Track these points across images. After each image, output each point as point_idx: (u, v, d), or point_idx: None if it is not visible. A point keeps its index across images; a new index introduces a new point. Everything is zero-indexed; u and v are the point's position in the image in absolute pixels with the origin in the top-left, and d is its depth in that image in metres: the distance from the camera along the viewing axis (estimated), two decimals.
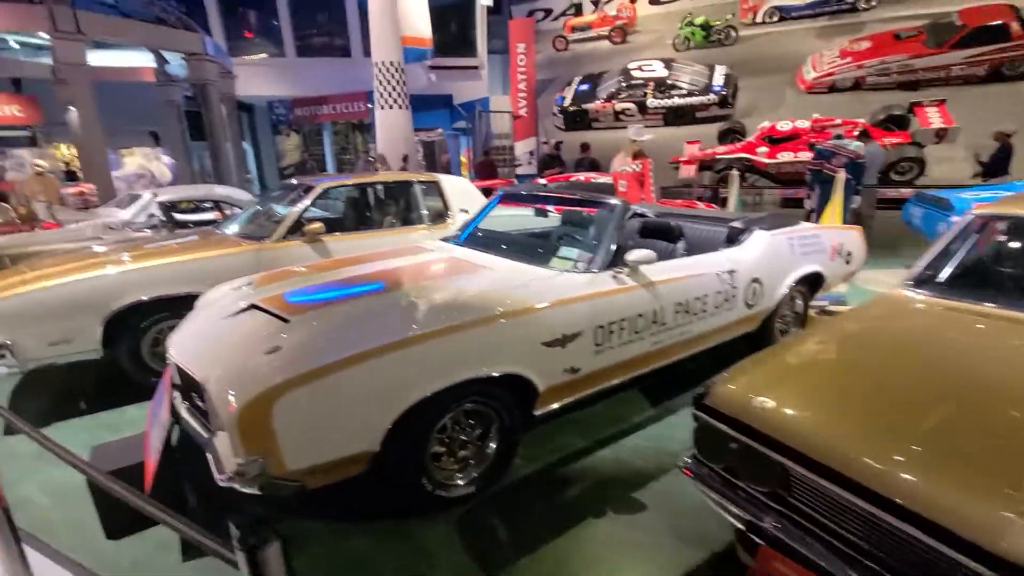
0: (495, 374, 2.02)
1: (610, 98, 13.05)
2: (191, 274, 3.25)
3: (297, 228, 3.67)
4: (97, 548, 1.98)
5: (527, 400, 2.23)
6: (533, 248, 2.89)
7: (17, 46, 15.82)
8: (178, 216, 5.94)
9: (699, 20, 13.99)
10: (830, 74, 11.69)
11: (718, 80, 12.18)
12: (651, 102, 12.57)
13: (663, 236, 3.10)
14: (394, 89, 13.68)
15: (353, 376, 1.74)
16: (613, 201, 2.67)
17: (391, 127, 13.79)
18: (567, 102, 13.78)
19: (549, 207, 3.62)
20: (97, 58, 13.89)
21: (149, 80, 15.38)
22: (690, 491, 1.63)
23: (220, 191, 5.53)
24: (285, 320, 1.99)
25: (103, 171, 9.68)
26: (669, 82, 12.44)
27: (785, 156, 9.70)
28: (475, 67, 18.91)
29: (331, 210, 4.59)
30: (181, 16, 11.80)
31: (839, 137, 5.58)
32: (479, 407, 2.10)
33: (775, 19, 13.23)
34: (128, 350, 3.15)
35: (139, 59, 16.40)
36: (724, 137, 11.40)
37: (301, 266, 2.91)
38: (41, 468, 2.46)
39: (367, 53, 18.74)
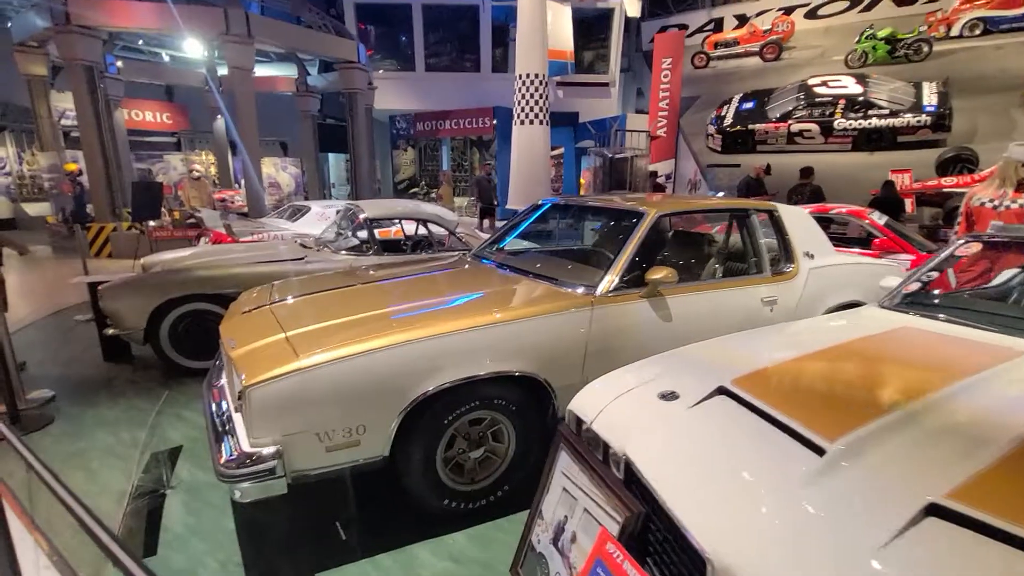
0: None
1: (784, 117, 11.37)
2: (518, 344, 2.11)
3: (630, 273, 2.47)
4: None
5: None
6: None
7: (168, 59, 16.66)
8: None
9: (883, 33, 12.14)
10: None
11: (930, 98, 10.20)
12: (839, 123, 10.77)
13: None
14: (536, 103, 12.82)
15: None
16: None
17: (529, 144, 12.90)
18: (727, 122, 12.24)
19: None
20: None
21: (281, 91, 15.57)
22: None
23: (427, 209, 4.56)
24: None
25: (256, 179, 9.31)
26: (865, 100, 10.59)
27: None
28: (605, 84, 17.87)
29: (605, 243, 3.38)
30: (332, 23, 11.54)
31: None
32: None
33: (977, 32, 11.15)
34: (421, 457, 2.02)
35: (271, 70, 16.76)
36: (947, 167, 9.40)
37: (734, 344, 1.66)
38: None
39: (495, 68, 18.28)
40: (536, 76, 12.66)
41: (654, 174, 11.05)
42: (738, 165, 10.64)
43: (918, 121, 10.09)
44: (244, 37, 8.47)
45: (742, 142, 11.95)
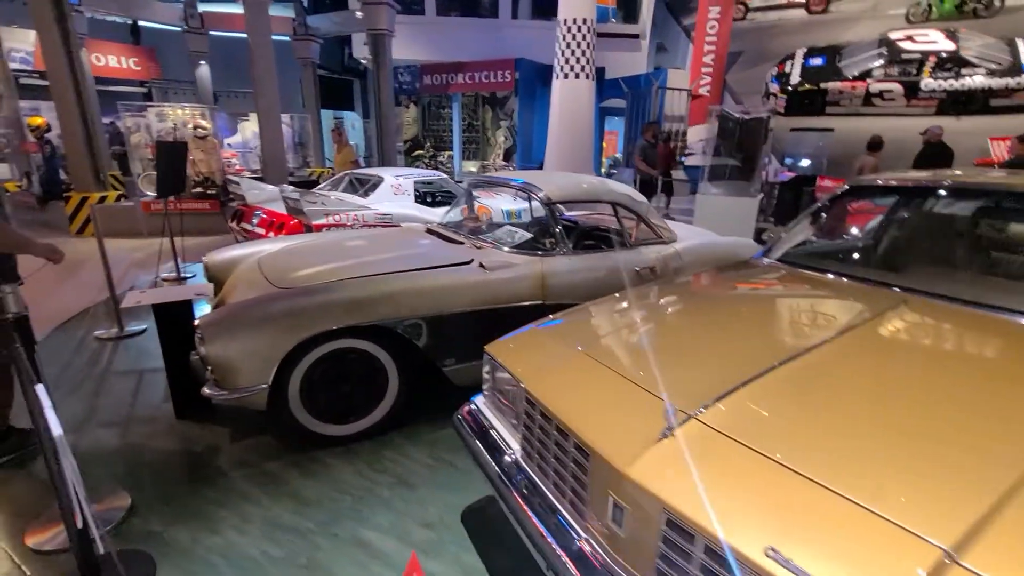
0: None
1: (863, 76, 10.24)
2: None
3: None
4: None
5: None
6: None
7: None
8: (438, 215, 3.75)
9: None
10: None
11: None
12: (926, 83, 9.72)
13: None
14: (583, 54, 11.29)
15: None
16: None
17: (573, 101, 11.42)
18: (794, 80, 11.02)
19: None
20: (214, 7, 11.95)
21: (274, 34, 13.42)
22: None
23: (617, 188, 3.27)
24: None
25: (276, 136, 7.65)
26: (957, 57, 9.55)
27: None
28: (636, 36, 16.30)
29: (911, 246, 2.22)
30: None
31: None
32: None
33: None
34: None
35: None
36: None
37: None
38: None
39: (516, 15, 16.39)
40: (583, 22, 11.10)
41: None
42: (831, 129, 9.49)
43: (1017, 83, 9.16)
44: None
45: (810, 103, 10.80)
